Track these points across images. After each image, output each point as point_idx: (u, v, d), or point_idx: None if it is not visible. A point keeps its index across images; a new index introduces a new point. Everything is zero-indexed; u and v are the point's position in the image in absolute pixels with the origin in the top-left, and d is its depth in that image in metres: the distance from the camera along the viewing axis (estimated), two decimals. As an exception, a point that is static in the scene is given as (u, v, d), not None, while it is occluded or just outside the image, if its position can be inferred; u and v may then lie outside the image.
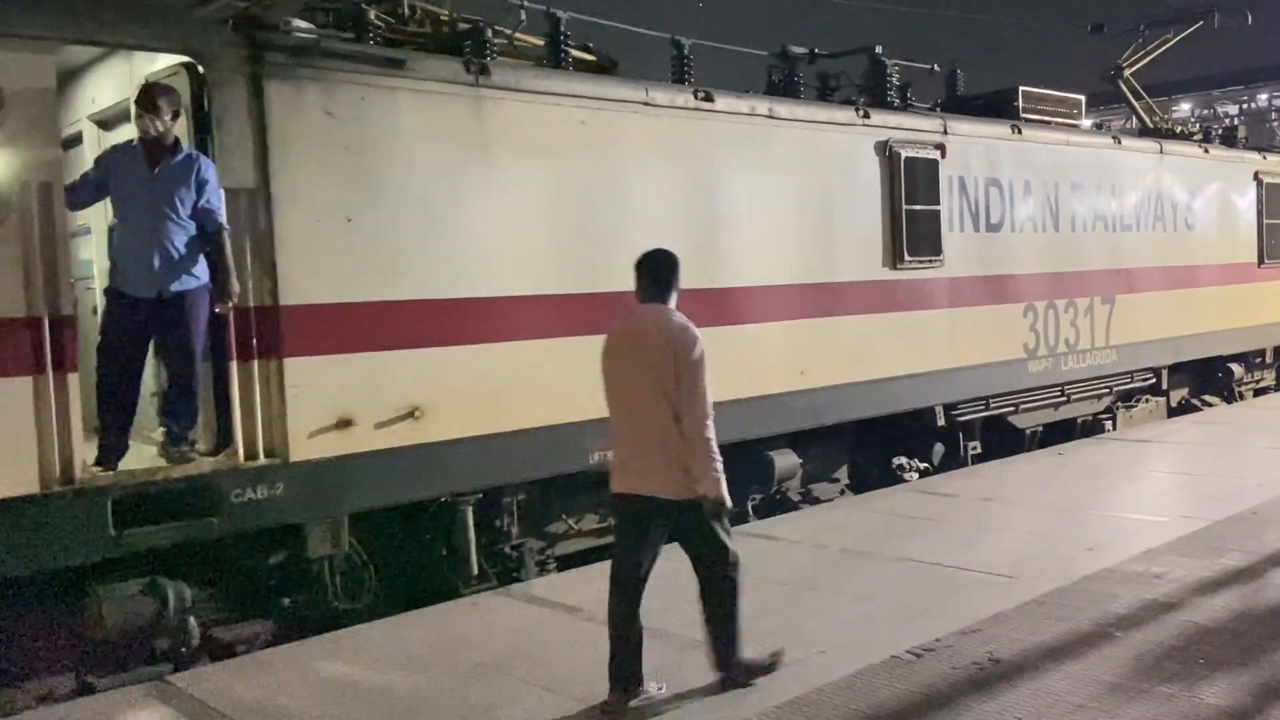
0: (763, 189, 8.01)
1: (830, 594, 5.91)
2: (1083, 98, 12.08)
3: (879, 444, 9.56)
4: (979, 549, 6.70)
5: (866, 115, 8.85)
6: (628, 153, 7.12)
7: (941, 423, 9.58)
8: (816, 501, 8.77)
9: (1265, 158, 14.19)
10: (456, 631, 5.55)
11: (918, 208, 9.22)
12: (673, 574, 4.71)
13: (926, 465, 9.77)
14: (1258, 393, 14.79)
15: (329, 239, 5.65)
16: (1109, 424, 11.97)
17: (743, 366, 7.81)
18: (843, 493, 9.09)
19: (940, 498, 8.39)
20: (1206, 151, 13.01)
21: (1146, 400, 12.57)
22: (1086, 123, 12.40)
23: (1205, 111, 37.36)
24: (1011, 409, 10.42)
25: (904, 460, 9.58)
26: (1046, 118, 11.42)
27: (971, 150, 9.86)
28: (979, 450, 10.36)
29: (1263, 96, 37.78)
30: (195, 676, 5.13)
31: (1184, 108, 35.80)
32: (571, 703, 4.53)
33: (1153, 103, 15.19)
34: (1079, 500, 8.04)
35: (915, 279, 9.28)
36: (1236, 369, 13.77)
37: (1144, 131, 14.50)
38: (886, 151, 8.98)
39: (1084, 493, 8.30)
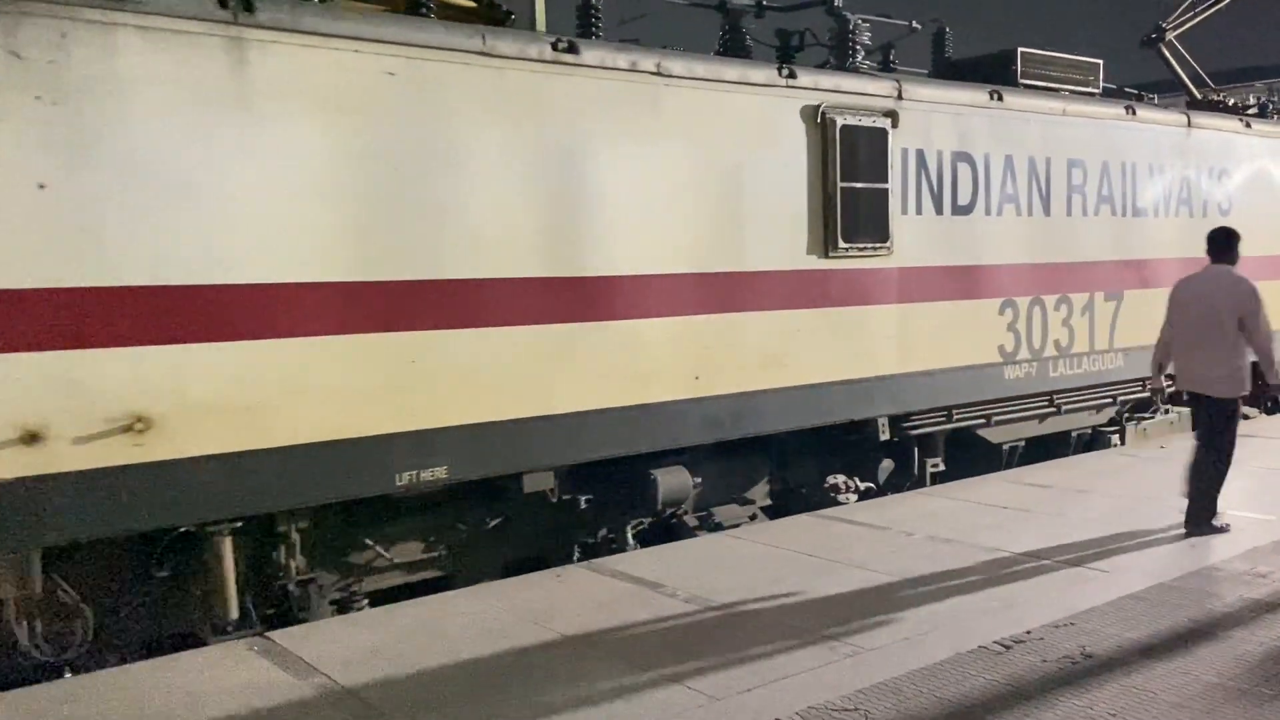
0: (648, 160, 6.69)
1: (915, 581, 5.84)
2: (1099, 62, 10.38)
3: (812, 459, 8.21)
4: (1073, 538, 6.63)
5: (791, 75, 7.44)
6: (458, 113, 5.91)
7: (886, 436, 8.18)
8: (719, 527, 7.48)
9: (1326, 134, 12.27)
10: (543, 602, 5.61)
11: (858, 185, 7.79)
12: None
13: (869, 485, 8.40)
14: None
15: (8, 209, 4.60)
16: (1115, 438, 10.37)
17: (615, 370, 6.56)
18: (754, 517, 7.77)
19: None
20: (1248, 125, 11.18)
21: (1166, 410, 10.90)
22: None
23: None
24: (982, 421, 8.92)
25: (841, 479, 8.23)
26: (1052, 84, 9.84)
27: (935, 119, 8.37)
28: (941, 468, 8.93)
29: None
30: (295, 635, 5.25)
31: None
32: (651, 676, 4.54)
33: (1203, 73, 13.33)
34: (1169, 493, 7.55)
35: (854, 269, 7.87)
36: (1282, 376, 11.93)
37: (1191, 104, 12.70)
38: (818, 118, 7.57)
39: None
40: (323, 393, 5.44)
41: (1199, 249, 10.92)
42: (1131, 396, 10.18)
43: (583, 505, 6.75)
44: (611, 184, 6.54)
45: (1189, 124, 10.41)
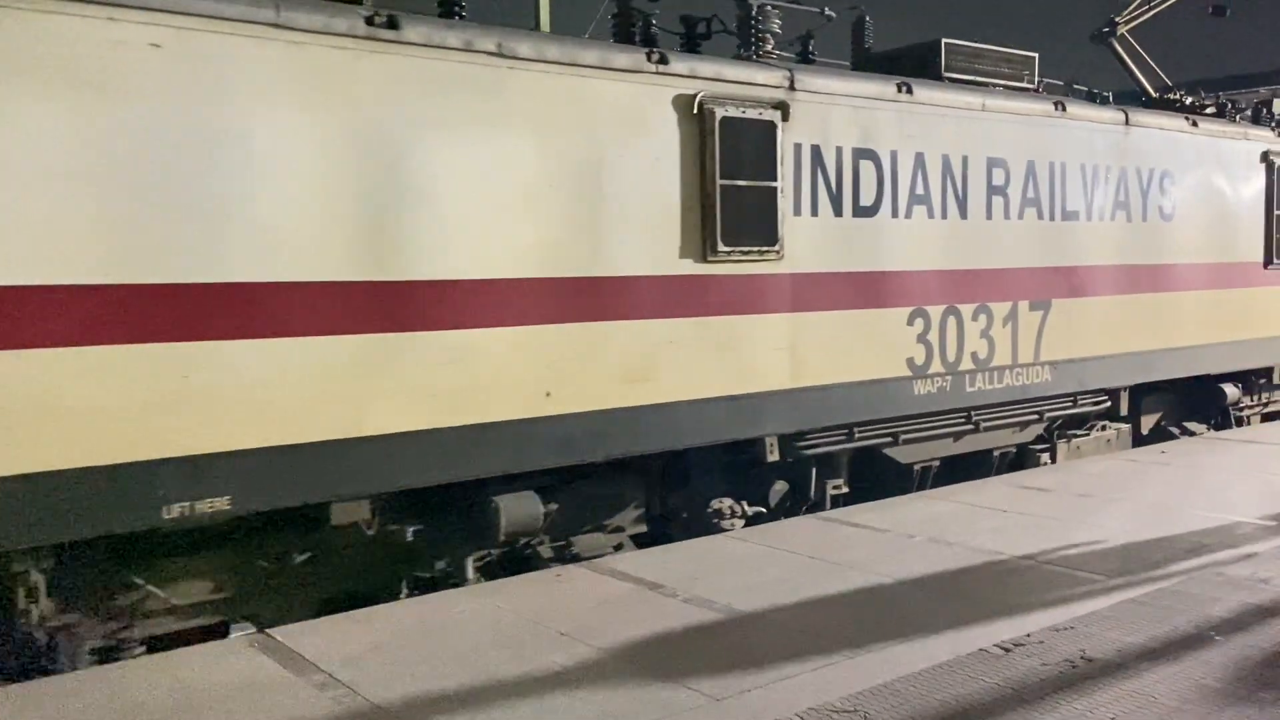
0: (488, 152, 5.94)
1: (916, 583, 5.75)
2: (1035, 55, 9.66)
3: (695, 482, 7.47)
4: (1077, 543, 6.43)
5: (662, 60, 6.68)
6: (245, 94, 5.15)
7: (775, 457, 7.44)
8: (577, 559, 6.73)
9: (1279, 134, 11.53)
10: (543, 602, 5.53)
11: (741, 183, 7.05)
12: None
13: (759, 510, 7.66)
14: (1266, 418, 12.16)
15: None
16: (1045, 457, 9.62)
17: (444, 386, 5.82)
18: (619, 547, 7.01)
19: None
20: (1194, 125, 10.43)
21: (1104, 428, 10.16)
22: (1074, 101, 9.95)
23: None
24: (888, 440, 8.18)
25: (727, 503, 7.48)
26: (981, 78, 9.11)
27: (833, 113, 7.62)
28: (844, 490, 8.19)
29: None
30: (295, 630, 5.19)
31: None
32: (652, 676, 4.51)
33: (1159, 70, 12.58)
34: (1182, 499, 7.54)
35: (737, 274, 7.12)
36: (1231, 390, 11.17)
37: (1148, 103, 11.96)
38: (696, 109, 6.83)
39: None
40: (69, 412, 4.70)
41: (1138, 255, 10.28)
42: (1062, 412, 9.44)
43: (409, 537, 6.01)
44: (443, 178, 5.79)
45: (1127, 122, 9.66)
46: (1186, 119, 10.38)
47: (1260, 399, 11.93)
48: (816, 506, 7.92)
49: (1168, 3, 12.53)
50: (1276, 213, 11.29)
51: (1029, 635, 4.92)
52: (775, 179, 7.22)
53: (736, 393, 7.13)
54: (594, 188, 6.41)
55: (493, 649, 4.88)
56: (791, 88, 7.33)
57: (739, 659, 4.69)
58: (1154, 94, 12.29)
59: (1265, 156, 11.18)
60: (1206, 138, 10.51)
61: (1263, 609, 5.26)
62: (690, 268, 6.87)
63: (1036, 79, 9.65)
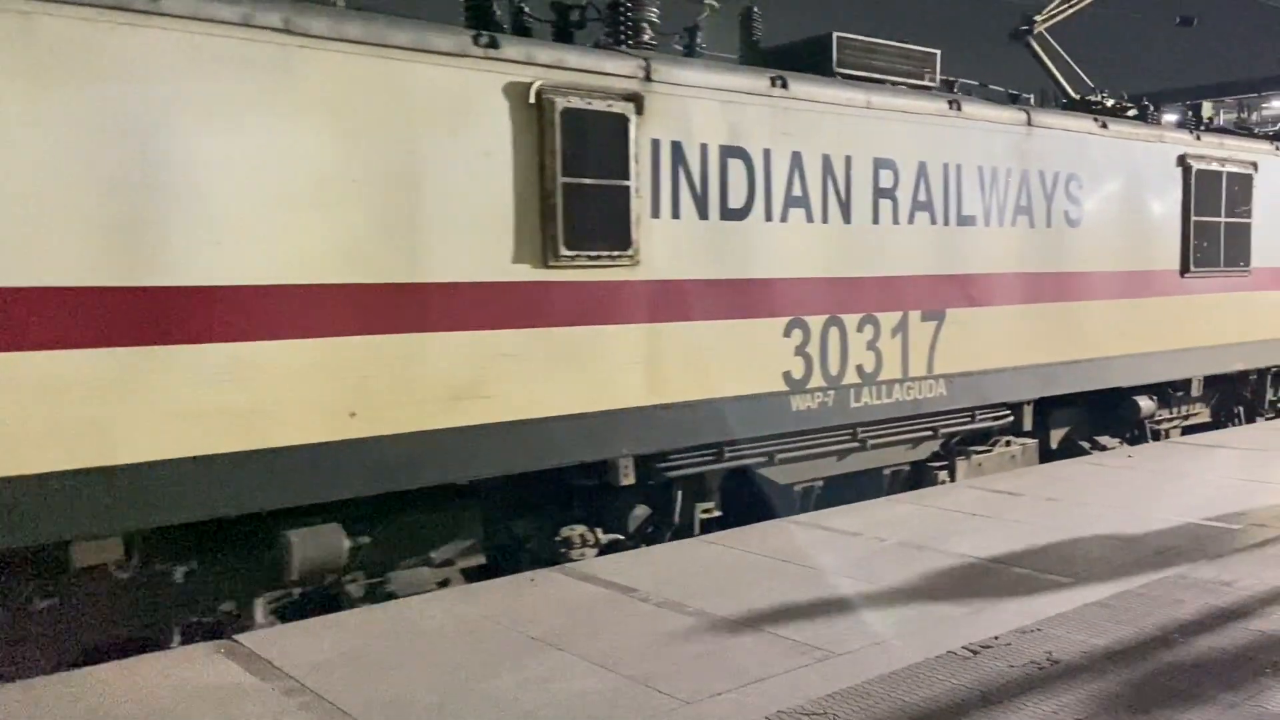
0: (274, 142, 5.20)
1: (886, 586, 5.75)
2: (936, 52, 9.05)
3: (541, 508, 6.78)
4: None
5: (491, 44, 5.99)
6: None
7: (629, 480, 6.75)
8: (390, 596, 6.00)
9: (1198, 138, 10.98)
10: (515, 606, 5.48)
11: (588, 182, 6.36)
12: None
13: (616, 537, 6.97)
14: (1186, 431, 11.64)
15: None
16: (943, 474, 9.01)
17: (217, 406, 5.08)
18: (446, 582, 6.27)
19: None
20: (1104, 126, 9.87)
21: (1008, 443, 9.57)
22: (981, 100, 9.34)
23: None
24: (763, 459, 7.53)
25: (579, 531, 6.79)
26: (877, 75, 8.48)
27: (698, 107, 6.96)
28: (716, 514, 7.52)
29: None
30: (263, 637, 5.11)
31: (1276, 105, 34.58)
32: (623, 680, 4.50)
33: (1079, 70, 12.05)
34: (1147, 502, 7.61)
35: (584, 281, 6.43)
36: (1146, 403, 10.62)
37: (1070, 105, 11.41)
38: (534, 100, 6.16)
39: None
40: None
41: (1042, 262, 9.65)
42: (959, 428, 8.84)
43: (180, 578, 5.28)
44: (215, 170, 5.05)
45: (1029, 123, 9.07)
46: (1095, 120, 9.81)
47: (1179, 412, 11.42)
48: (684, 532, 7.25)
49: (1085, 2, 12.05)
50: (1194, 219, 10.77)
51: (996, 638, 4.91)
52: (628, 178, 6.54)
53: (584, 411, 6.44)
54: (410, 184, 5.70)
55: (464, 654, 4.81)
56: (647, 79, 6.66)
57: (711, 662, 4.67)
58: (1074, 95, 11.79)
59: (1182, 160, 10.64)
60: (1117, 140, 9.95)
61: (1226, 611, 5.27)
62: (528, 274, 6.18)
63: (938, 77, 9.07)
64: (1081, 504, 7.64)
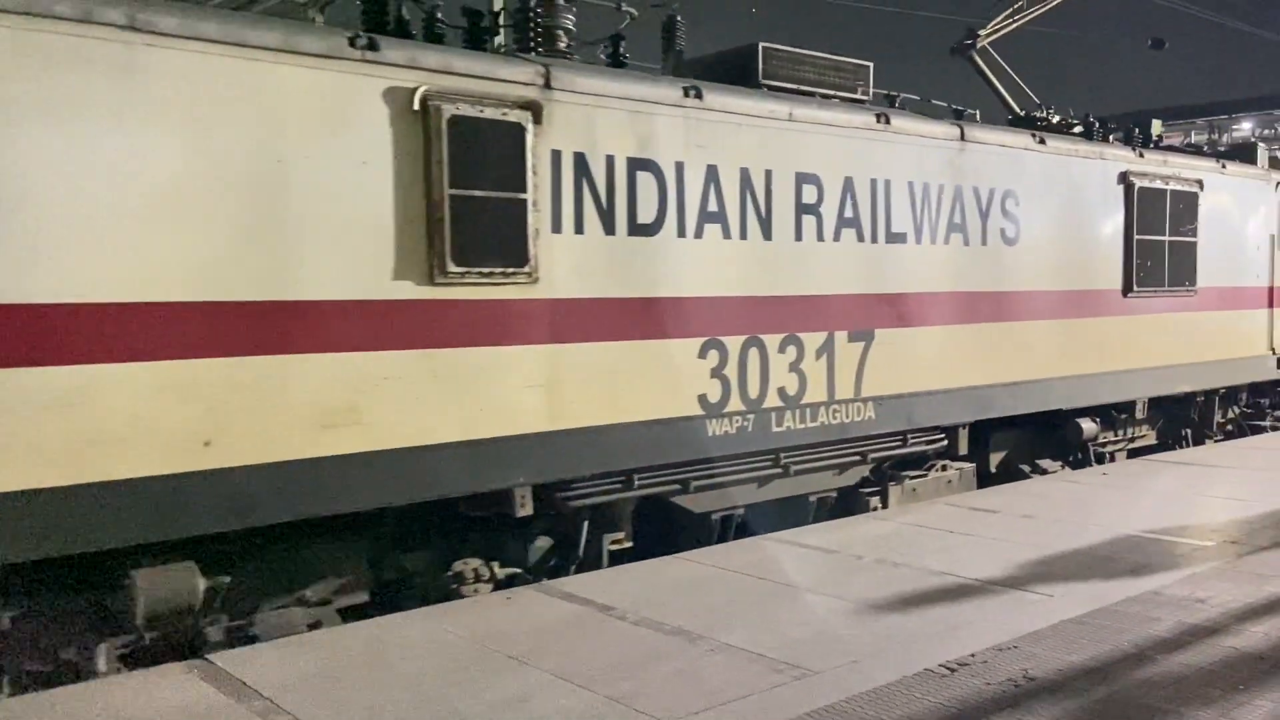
0: (112, 148, 4.73)
1: (863, 604, 5.70)
2: (869, 64, 8.72)
3: (432, 541, 6.30)
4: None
5: (370, 46, 5.57)
6: None
7: (527, 510, 6.30)
8: (253, 640, 5.48)
9: (1141, 155, 10.70)
10: (491, 625, 5.41)
11: (479, 194, 5.93)
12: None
13: (514, 571, 6.51)
14: (1133, 454, 11.31)
15: None
16: (875, 501, 8.61)
17: (47, 435, 4.59)
18: (318, 624, 5.78)
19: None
20: (1041, 142, 9.55)
21: (943, 468, 9.19)
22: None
23: (1266, 131, 36.00)
24: (677, 487, 7.10)
25: (474, 565, 6.33)
26: (806, 87, 8.13)
27: (604, 117, 6.54)
28: (626, 545, 7.08)
29: None
30: (235, 657, 5.02)
31: (1245, 126, 35.11)
32: (601, 699, 4.42)
33: (1023, 85, 11.77)
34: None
35: (475, 300, 5.99)
36: (1088, 426, 10.28)
37: (1014, 120, 11.12)
38: (419, 107, 5.72)
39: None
40: None
41: (977, 281, 9.25)
42: (890, 453, 8.44)
43: (6, 623, 4.77)
44: (40, 178, 4.57)
45: (962, 137, 8.73)
46: (1033, 136, 9.49)
47: (1124, 434, 11.09)
48: (591, 564, 6.80)
49: (1029, 17, 11.79)
50: (1137, 238, 10.47)
51: (973, 655, 4.88)
52: (525, 190, 6.12)
53: (476, 437, 5.98)
54: (275, 195, 5.25)
55: (442, 674, 4.72)
56: (547, 86, 6.25)
57: (689, 681, 4.63)
58: (1018, 111, 11.51)
59: (1124, 178, 10.35)
60: (1055, 156, 9.64)
61: (1201, 628, 5.26)
62: (411, 291, 5.73)
63: (871, 90, 8.73)
64: (1057, 520, 7.61)
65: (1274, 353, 12.80)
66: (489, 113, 5.95)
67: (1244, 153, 13.19)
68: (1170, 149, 11.93)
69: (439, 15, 6.83)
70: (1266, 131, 36.62)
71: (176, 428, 4.95)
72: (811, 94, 8.09)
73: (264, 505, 5.22)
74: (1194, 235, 11.21)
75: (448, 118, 5.76)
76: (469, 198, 5.87)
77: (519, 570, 6.46)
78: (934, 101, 10.14)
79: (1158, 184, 10.68)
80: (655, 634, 5.22)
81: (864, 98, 8.56)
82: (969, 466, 9.35)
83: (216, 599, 5.32)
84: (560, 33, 7.30)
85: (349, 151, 5.49)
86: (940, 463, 9.10)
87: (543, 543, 6.60)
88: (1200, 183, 11.27)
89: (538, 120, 6.16)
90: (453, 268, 5.81)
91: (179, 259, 4.96)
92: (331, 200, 5.43)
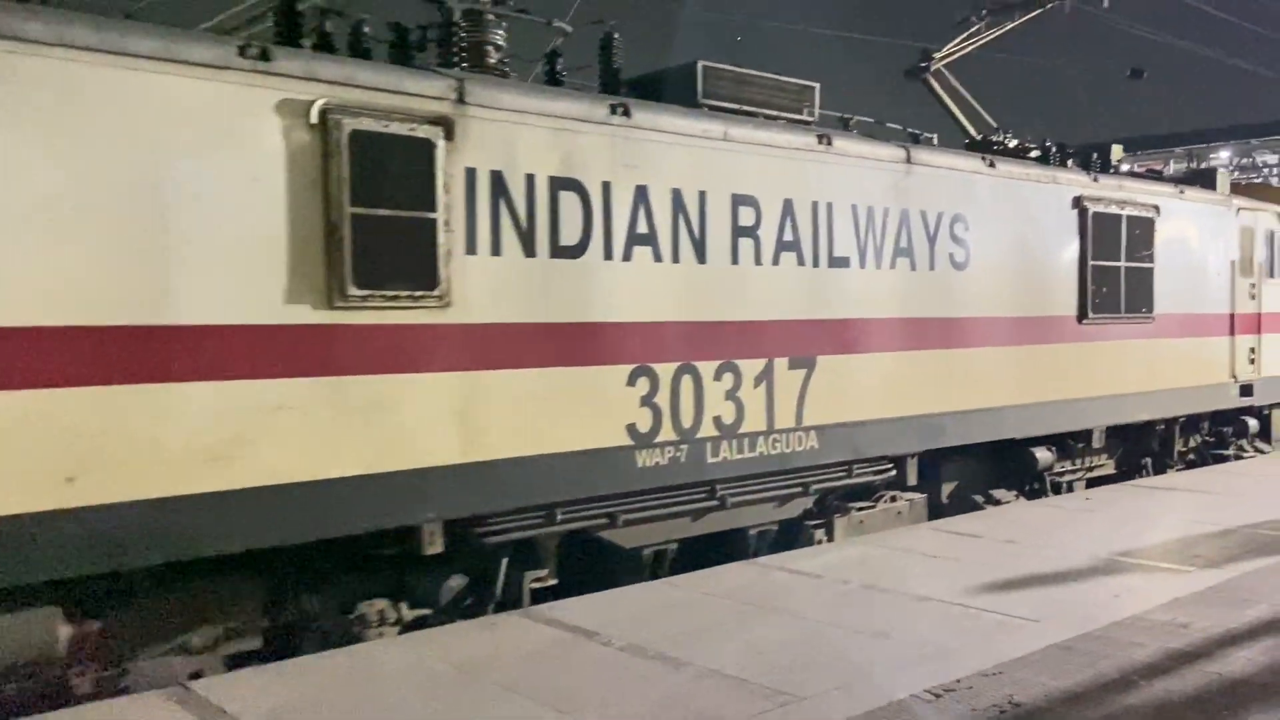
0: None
1: (850, 629, 5.66)
2: (814, 85, 8.43)
3: (333, 582, 5.87)
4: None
5: (262, 56, 5.19)
6: None
7: (437, 548, 5.88)
8: (125, 691, 5.03)
9: (1095, 179, 10.45)
10: (474, 652, 5.31)
11: (385, 213, 5.56)
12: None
13: (425, 612, 6.08)
14: (1092, 484, 10.99)
15: None
16: (820, 533, 8.23)
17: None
18: (198, 675, 5.32)
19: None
20: (992, 166, 9.28)
21: (893, 498, 8.83)
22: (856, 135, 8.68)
23: (1244, 160, 36.48)
24: (604, 521, 6.71)
25: (379, 607, 5.90)
26: (748, 107, 7.82)
27: (524, 134, 6.19)
28: (550, 582, 6.66)
29: None
30: (214, 684, 4.87)
31: (1222, 155, 35.31)
32: None
33: (978, 107, 11.54)
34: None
35: (381, 325, 5.60)
36: (1044, 455, 9.96)
37: (971, 144, 10.87)
38: (318, 121, 5.36)
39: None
40: None
41: (926, 307, 8.72)
42: (834, 484, 8.07)
43: None
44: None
45: (908, 160, 8.44)
46: (982, 159, 9.22)
47: (1082, 464, 10.77)
48: (510, 605, 6.38)
49: (983, 40, 11.60)
50: (1092, 263, 10.20)
51: (959, 681, 4.85)
52: (435, 209, 5.75)
53: (380, 470, 5.58)
54: (155, 213, 4.86)
55: (426, 701, 4.65)
56: (461, 101, 5.90)
57: (675, 708, 4.57)
58: (975, 135, 11.28)
59: (1078, 202, 10.09)
60: (1007, 180, 9.36)
61: (1183, 654, 5.25)
62: (308, 315, 5.34)
63: (817, 111, 8.43)
64: (1039, 546, 7.56)
65: (1236, 380, 12.54)
66: (396, 128, 5.59)
67: (1203, 178, 13.01)
68: (1127, 174, 11.71)
69: (365, 29, 6.55)
70: (1244, 160, 37.06)
71: (33, 463, 4.52)
72: (754, 114, 7.79)
73: (136, 546, 4.79)
74: (1151, 261, 10.95)
75: (349, 132, 5.40)
76: (373, 217, 5.50)
77: (429, 612, 6.04)
78: (889, 124, 9.91)
79: (1113, 209, 10.43)
80: (641, 660, 5.16)
81: (809, 119, 8.26)
82: (919, 497, 8.99)
83: (84, 647, 4.88)
84: (488, 48, 7.01)
85: (238, 167, 5.11)
86: (889, 493, 8.74)
87: (456, 582, 6.17)
88: (1157, 208, 11.03)
89: (450, 136, 5.80)
90: (354, 290, 5.43)
91: (41, 280, 4.55)
92: (218, 219, 5.04)
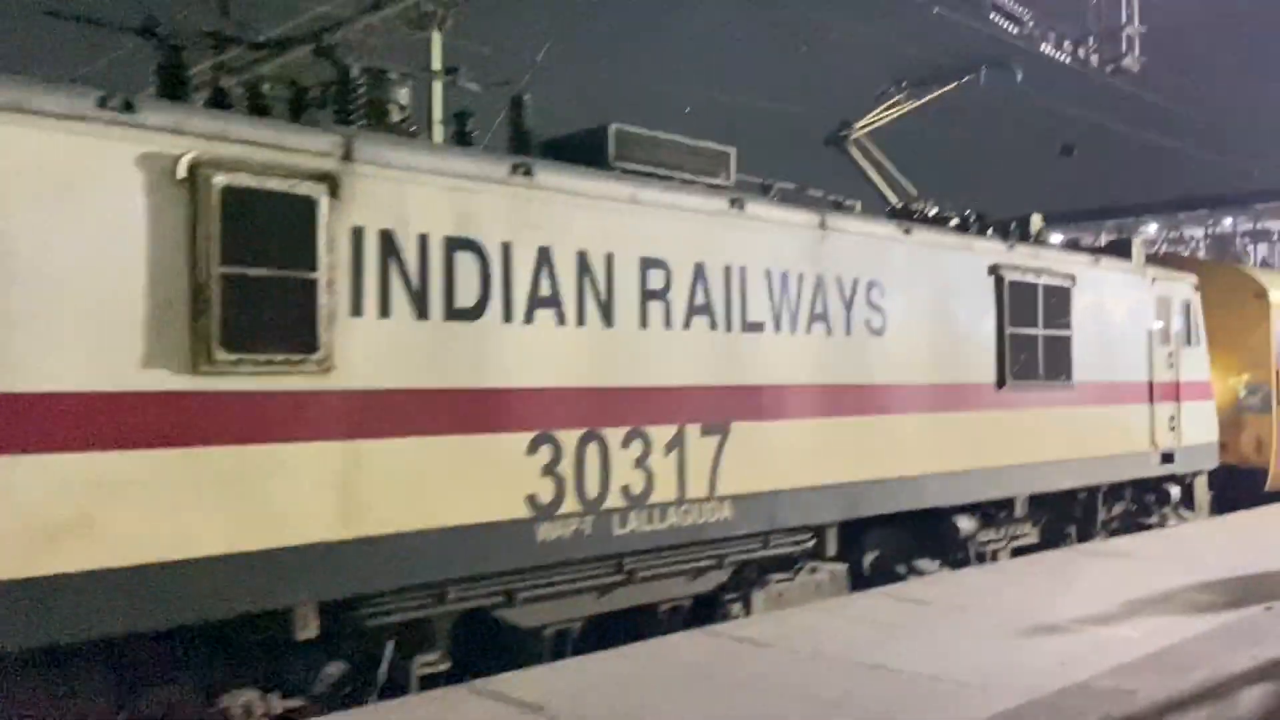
0: None
1: (797, 698, 5.51)
2: (730, 150, 8.31)
3: (197, 670, 5.37)
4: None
5: (126, 108, 4.86)
6: None
7: (311, 632, 5.41)
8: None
9: (1012, 248, 10.48)
10: None
11: (257, 273, 5.20)
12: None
13: (296, 703, 5.58)
14: (1016, 552, 10.80)
15: None
16: (737, 607, 7.87)
17: None
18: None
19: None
20: (908, 232, 9.23)
21: (814, 570, 8.52)
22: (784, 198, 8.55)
23: (1172, 234, 37.64)
24: (500, 600, 6.29)
25: (244, 699, 5.39)
26: (663, 170, 7.65)
27: (416, 193, 5.90)
28: (442, 667, 6.20)
29: (1228, 221, 37.46)
30: None
31: (1151, 229, 36.61)
32: None
33: (900, 177, 11.59)
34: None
35: (253, 391, 5.20)
36: (966, 524, 9.76)
37: (892, 213, 10.85)
38: (185, 176, 5.01)
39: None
40: None
41: (843, 373, 8.38)
42: (750, 555, 7.75)
43: None
44: None
45: (822, 225, 8.32)
46: (898, 225, 9.16)
47: (1005, 533, 10.58)
48: (398, 690, 5.89)
49: (902, 111, 11.68)
50: (1009, 330, 10.15)
51: None
52: (316, 269, 5.41)
53: (247, 549, 5.12)
54: (-6, 270, 4.47)
55: None
56: (348, 158, 5.60)
57: None
58: (895, 202, 11.29)
59: (994, 270, 10.07)
60: (923, 247, 9.31)
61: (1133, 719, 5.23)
62: (168, 382, 4.92)
63: (733, 176, 8.31)
64: (988, 611, 7.52)
65: (1157, 448, 12.55)
66: (274, 184, 5.27)
67: (1119, 248, 13.19)
68: (1044, 244, 11.78)
69: (265, 87, 6.27)
70: (1172, 234, 38.45)
71: None
72: (668, 178, 7.64)
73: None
74: (1068, 329, 10.96)
75: (220, 188, 5.06)
76: (245, 277, 5.14)
77: (302, 702, 5.54)
78: (810, 190, 9.85)
79: (1029, 277, 10.44)
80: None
81: (725, 183, 8.13)
82: (841, 568, 8.69)
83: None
84: (392, 106, 6.77)
85: (93, 223, 4.73)
86: (810, 564, 8.43)
87: (335, 668, 5.68)
88: (1073, 277, 11.08)
89: (335, 194, 5.49)
90: (222, 355, 5.04)
91: None
92: (67, 278, 4.64)
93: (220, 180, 5.07)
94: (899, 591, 8.27)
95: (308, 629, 5.35)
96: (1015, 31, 17.91)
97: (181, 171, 4.96)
